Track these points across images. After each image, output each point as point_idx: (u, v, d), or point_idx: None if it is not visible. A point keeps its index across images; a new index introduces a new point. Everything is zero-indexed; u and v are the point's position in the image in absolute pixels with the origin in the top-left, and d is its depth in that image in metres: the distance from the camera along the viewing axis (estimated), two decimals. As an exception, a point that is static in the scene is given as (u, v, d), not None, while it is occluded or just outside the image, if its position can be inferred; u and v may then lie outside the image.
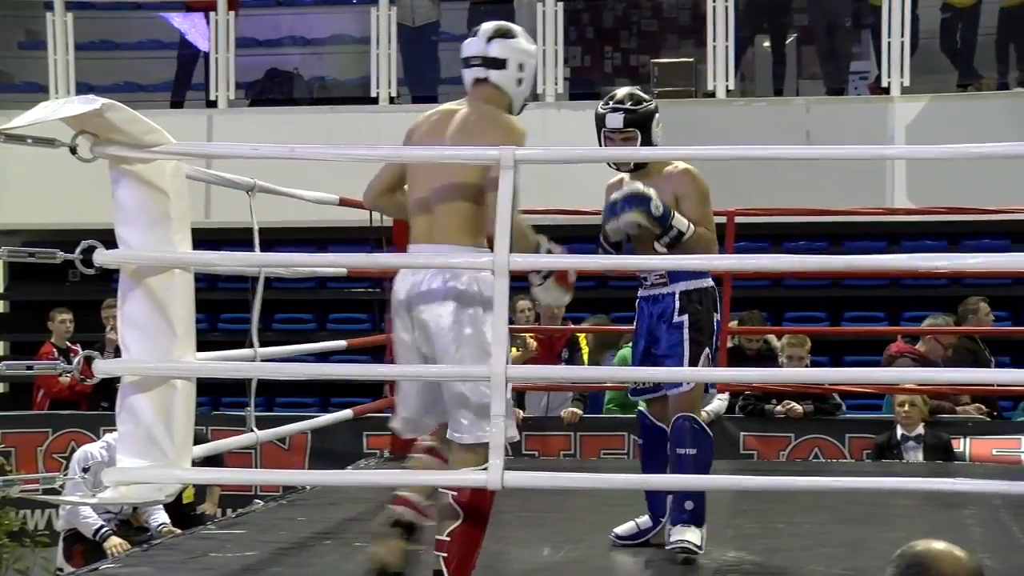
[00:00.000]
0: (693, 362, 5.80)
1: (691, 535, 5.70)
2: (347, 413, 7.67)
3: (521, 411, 9.34)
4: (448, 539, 4.86)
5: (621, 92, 5.95)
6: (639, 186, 5.71)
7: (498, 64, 5.13)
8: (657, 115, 5.88)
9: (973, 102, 12.58)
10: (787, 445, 9.03)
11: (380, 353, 8.59)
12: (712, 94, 12.60)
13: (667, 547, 5.77)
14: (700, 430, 5.78)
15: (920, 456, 8.64)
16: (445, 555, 4.87)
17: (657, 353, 5.88)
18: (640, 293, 6.01)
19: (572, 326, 9.90)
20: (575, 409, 9.32)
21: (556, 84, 12.97)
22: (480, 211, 4.91)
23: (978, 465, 8.60)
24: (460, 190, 4.90)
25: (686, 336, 5.81)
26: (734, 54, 12.76)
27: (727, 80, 12.56)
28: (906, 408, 8.66)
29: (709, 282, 5.93)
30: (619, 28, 14.58)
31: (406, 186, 5.14)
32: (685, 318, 5.83)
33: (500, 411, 4.51)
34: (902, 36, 12.45)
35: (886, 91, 12.43)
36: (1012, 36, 12.83)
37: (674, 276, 5.85)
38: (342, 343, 7.93)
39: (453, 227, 4.94)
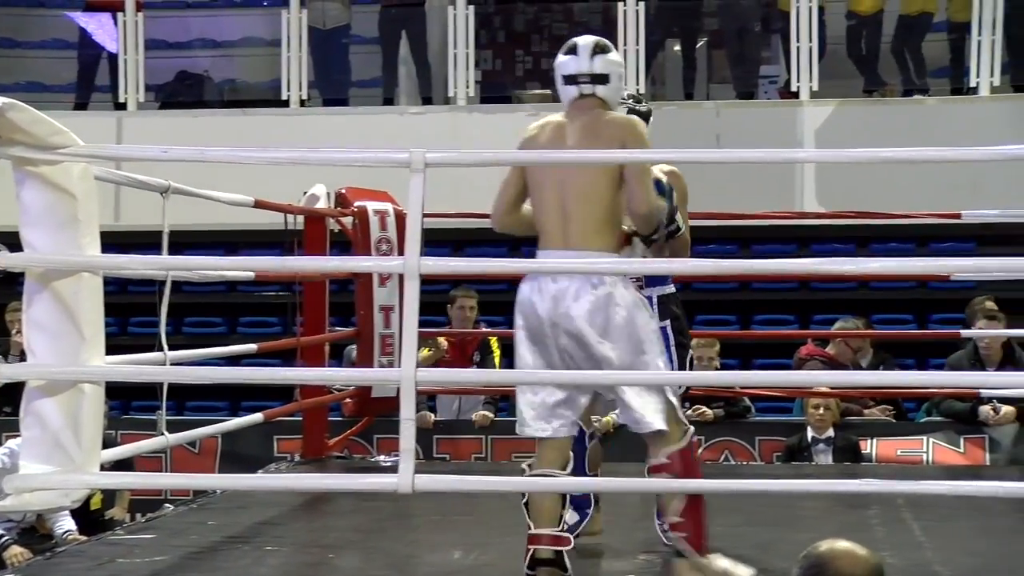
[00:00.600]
0: (682, 366, 5.93)
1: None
2: (257, 417, 7.63)
3: (432, 414, 9.33)
4: (681, 519, 5.15)
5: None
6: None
7: (603, 79, 5.29)
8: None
9: (879, 107, 12.73)
10: (697, 448, 9.06)
11: (291, 357, 8.56)
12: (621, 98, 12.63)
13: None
14: None
15: (830, 458, 8.71)
16: (684, 535, 5.15)
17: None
18: None
19: (485, 329, 9.90)
20: (486, 412, 9.32)
21: (467, 87, 12.97)
22: (613, 215, 5.11)
23: (883, 466, 8.69)
24: (593, 196, 5.08)
25: (672, 341, 5.89)
26: (645, 58, 12.83)
27: (638, 84, 12.61)
28: (820, 411, 8.73)
29: (672, 288, 6.03)
30: (530, 32, 14.62)
31: (527, 201, 5.31)
32: (668, 323, 5.90)
33: (410, 415, 4.51)
34: (811, 42, 12.57)
35: (795, 96, 12.55)
36: (907, 43, 13.00)
37: (650, 281, 5.90)
38: (252, 347, 7.88)
39: (588, 232, 5.10)
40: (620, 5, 12.84)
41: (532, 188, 5.24)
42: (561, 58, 5.35)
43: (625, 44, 12.67)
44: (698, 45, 13.71)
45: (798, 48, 12.59)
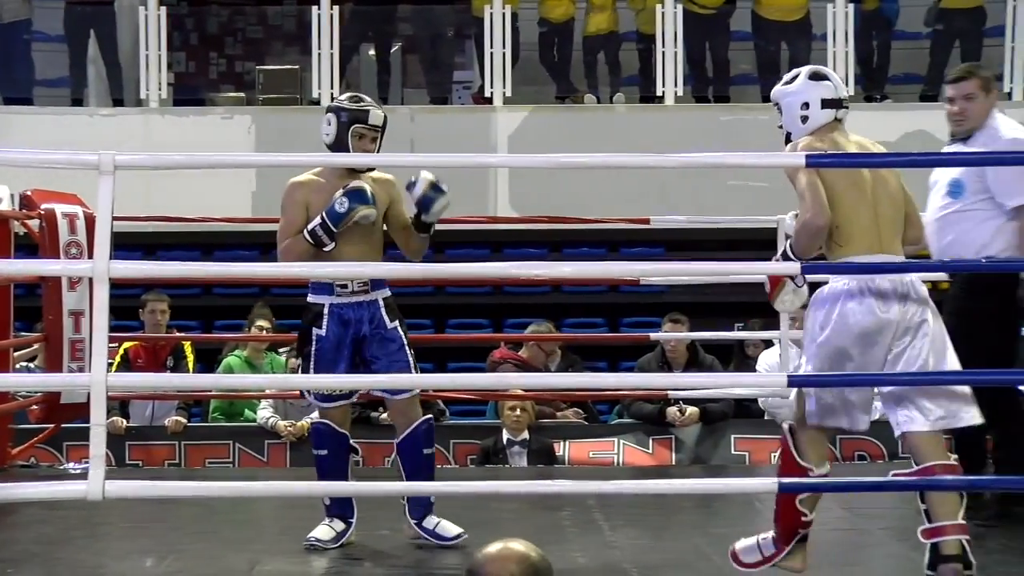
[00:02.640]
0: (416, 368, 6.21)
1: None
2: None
3: (124, 420, 9.15)
4: (963, 521, 5.06)
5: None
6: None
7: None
8: None
9: (572, 114, 12.96)
10: (392, 452, 9.08)
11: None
12: (317, 102, 12.62)
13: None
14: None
15: (525, 460, 8.82)
16: (966, 537, 5.05)
17: (375, 359, 6.10)
18: (333, 301, 6.08)
19: (178, 334, 9.75)
20: (179, 418, 9.18)
21: (160, 89, 12.75)
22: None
23: (576, 468, 8.85)
24: (897, 201, 5.26)
25: (405, 342, 6.13)
26: (339, 62, 12.81)
27: (332, 88, 12.60)
28: (516, 413, 8.83)
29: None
30: (224, 34, 14.47)
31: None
32: (397, 324, 6.13)
33: (100, 420, 4.42)
34: (504, 48, 12.73)
35: (489, 101, 12.70)
36: (596, 52, 13.30)
37: (376, 284, 6.12)
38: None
39: (894, 236, 5.24)
40: (314, 9, 12.81)
41: (838, 191, 5.19)
42: (813, 82, 5.35)
43: (319, 48, 12.66)
44: (392, 50, 13.75)
45: (491, 54, 12.74)
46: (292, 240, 5.98)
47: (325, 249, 5.94)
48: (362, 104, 6.22)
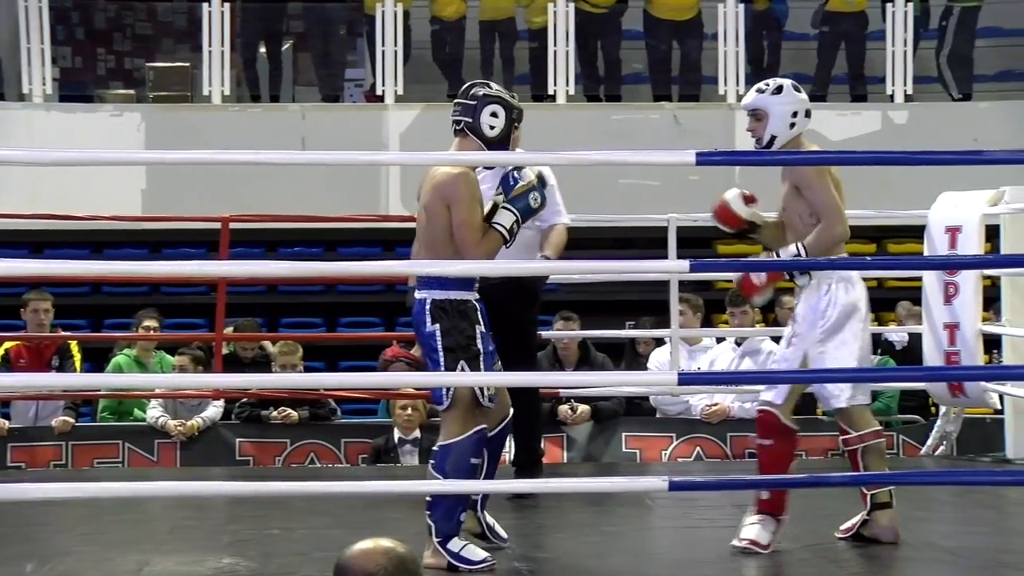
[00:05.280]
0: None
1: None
2: None
3: (6, 421, 9.03)
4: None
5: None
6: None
7: None
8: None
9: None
10: (283, 451, 9.04)
11: None
12: (208, 99, 12.51)
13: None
14: None
15: (416, 459, 8.80)
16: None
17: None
18: (476, 296, 5.72)
19: (63, 333, 9.62)
20: (67, 418, 9.06)
21: (44, 85, 12.56)
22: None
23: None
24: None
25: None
26: (230, 59, 12.72)
27: (223, 86, 12.50)
28: (408, 412, 8.81)
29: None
30: (112, 30, 14.28)
31: None
32: (437, 328, 5.63)
33: None
34: (396, 46, 12.70)
35: (380, 99, 12.66)
36: (493, 48, 13.30)
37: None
38: None
39: None
40: (205, 6, 12.70)
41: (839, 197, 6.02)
42: (798, 94, 6.08)
43: (210, 46, 12.55)
44: (284, 47, 13.68)
45: (383, 52, 12.70)
46: (491, 234, 5.62)
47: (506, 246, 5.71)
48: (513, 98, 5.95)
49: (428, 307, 5.64)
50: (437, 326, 5.63)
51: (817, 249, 5.87)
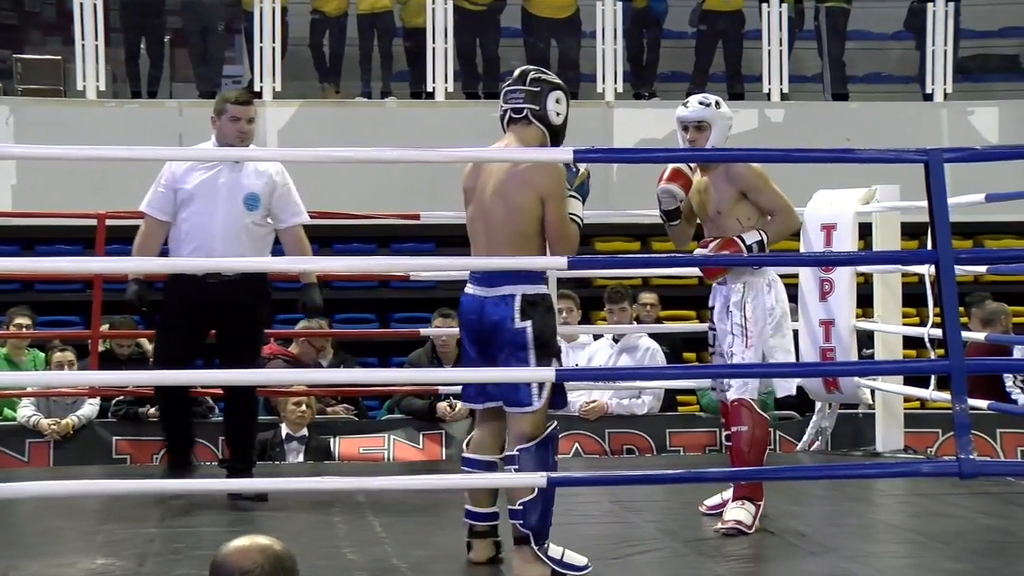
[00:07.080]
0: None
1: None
2: None
3: None
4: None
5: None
6: None
7: None
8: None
9: (342, 109, 12.91)
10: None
11: None
12: (83, 94, 12.36)
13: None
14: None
15: (301, 457, 8.78)
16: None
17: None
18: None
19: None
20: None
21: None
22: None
23: (347, 464, 8.83)
24: None
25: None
26: (104, 54, 12.56)
27: (97, 81, 12.35)
28: (302, 408, 8.78)
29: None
30: (-25, 23, 14.06)
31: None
32: (528, 324, 5.45)
33: None
34: (273, 42, 12.63)
35: (258, 95, 12.57)
36: (371, 44, 13.27)
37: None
38: None
39: None
40: (76, -1, 12.55)
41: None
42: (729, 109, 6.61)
43: (83, 40, 12.38)
44: (162, 42, 13.54)
45: (261, 48, 12.63)
46: (574, 226, 5.52)
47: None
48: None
49: (518, 303, 5.45)
50: (529, 323, 5.42)
51: (776, 238, 6.37)
